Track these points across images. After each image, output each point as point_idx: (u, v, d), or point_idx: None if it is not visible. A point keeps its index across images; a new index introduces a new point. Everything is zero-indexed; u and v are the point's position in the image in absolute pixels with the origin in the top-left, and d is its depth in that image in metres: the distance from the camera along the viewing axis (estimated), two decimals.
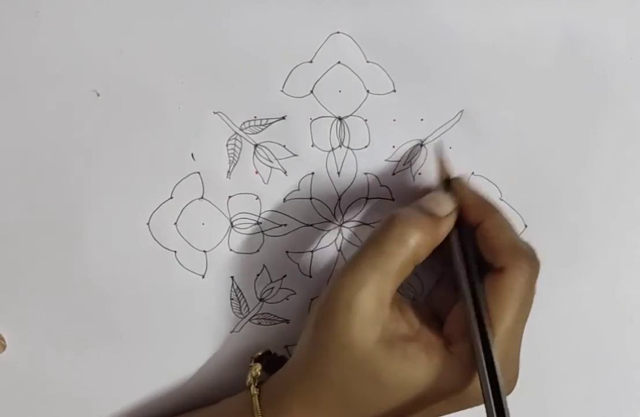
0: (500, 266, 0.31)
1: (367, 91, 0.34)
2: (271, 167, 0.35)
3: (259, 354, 0.36)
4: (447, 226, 0.31)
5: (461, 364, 0.30)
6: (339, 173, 0.35)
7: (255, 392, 0.33)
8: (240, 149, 0.34)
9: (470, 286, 0.31)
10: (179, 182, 0.34)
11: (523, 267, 0.30)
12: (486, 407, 0.28)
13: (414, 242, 0.30)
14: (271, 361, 0.35)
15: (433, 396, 0.30)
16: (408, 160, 0.35)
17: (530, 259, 0.31)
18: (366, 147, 0.35)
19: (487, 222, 0.31)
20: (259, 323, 0.37)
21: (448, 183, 0.33)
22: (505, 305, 0.30)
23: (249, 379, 0.34)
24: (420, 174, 0.36)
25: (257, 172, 0.35)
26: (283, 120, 0.34)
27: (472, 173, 0.36)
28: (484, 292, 0.30)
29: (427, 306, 0.35)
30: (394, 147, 0.35)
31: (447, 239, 0.32)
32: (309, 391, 0.30)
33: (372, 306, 0.29)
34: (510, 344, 0.30)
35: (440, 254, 0.32)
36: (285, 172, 0.35)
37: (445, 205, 0.31)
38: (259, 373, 0.34)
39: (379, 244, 0.30)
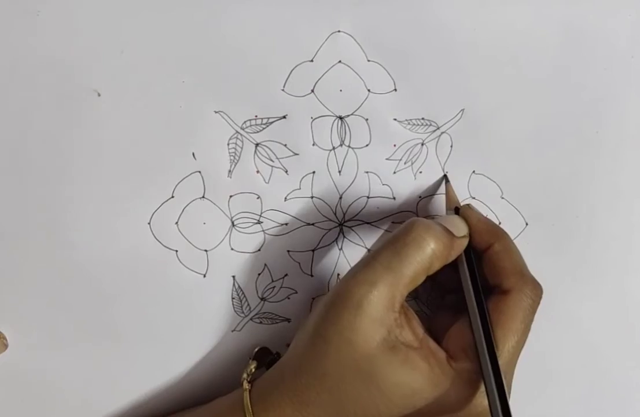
0: (507, 288, 0.31)
1: (368, 90, 0.34)
2: (272, 166, 0.35)
3: (256, 350, 0.36)
4: (460, 247, 0.32)
5: (462, 380, 0.30)
6: (340, 172, 0.35)
7: (247, 387, 0.33)
8: (241, 148, 0.34)
9: (478, 306, 0.31)
10: (180, 181, 0.34)
11: (528, 292, 0.31)
12: None
13: (431, 251, 0.30)
14: (273, 361, 0.35)
15: (429, 406, 0.30)
16: (409, 159, 0.35)
17: (535, 286, 0.32)
18: (367, 146, 0.35)
19: (497, 245, 0.32)
20: (261, 322, 0.37)
21: (457, 211, 0.34)
22: (509, 326, 0.31)
23: (244, 375, 0.34)
24: (421, 172, 0.36)
25: (258, 172, 0.35)
26: (284, 120, 0.34)
27: (473, 172, 0.36)
28: (490, 313, 0.31)
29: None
30: (394, 146, 0.35)
31: (453, 262, 0.32)
32: (300, 387, 0.30)
33: (381, 307, 0.29)
34: (510, 366, 0.31)
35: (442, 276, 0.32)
36: (286, 171, 0.35)
37: (460, 227, 0.32)
38: (253, 370, 0.34)
39: (397, 247, 0.30)
